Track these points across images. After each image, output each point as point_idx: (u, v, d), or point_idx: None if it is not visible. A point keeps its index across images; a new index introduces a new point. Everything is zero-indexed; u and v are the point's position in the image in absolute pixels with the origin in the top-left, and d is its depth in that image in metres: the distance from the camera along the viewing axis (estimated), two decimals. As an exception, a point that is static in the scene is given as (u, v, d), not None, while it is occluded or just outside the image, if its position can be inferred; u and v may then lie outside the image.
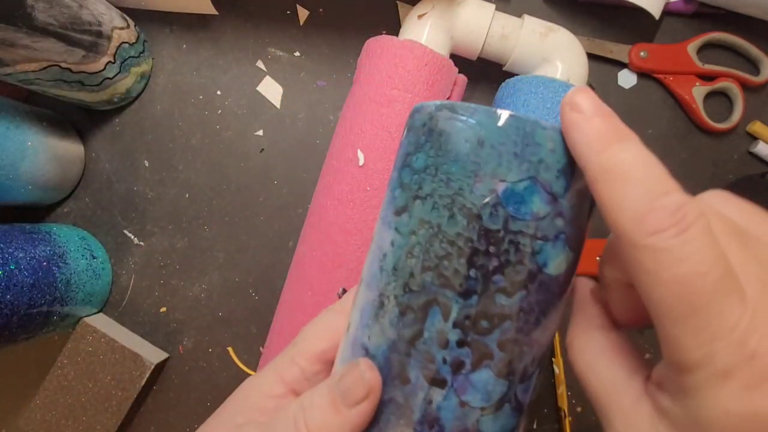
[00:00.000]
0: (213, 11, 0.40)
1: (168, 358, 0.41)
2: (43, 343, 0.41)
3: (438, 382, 0.16)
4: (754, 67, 0.40)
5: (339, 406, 0.16)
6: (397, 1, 0.40)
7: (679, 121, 0.40)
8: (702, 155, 0.40)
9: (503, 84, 0.35)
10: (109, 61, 0.37)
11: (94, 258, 0.40)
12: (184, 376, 0.41)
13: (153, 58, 0.42)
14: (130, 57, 0.38)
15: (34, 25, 0.30)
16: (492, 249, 0.16)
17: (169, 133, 0.42)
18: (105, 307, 0.42)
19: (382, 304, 0.17)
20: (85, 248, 0.39)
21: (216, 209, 0.41)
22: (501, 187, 0.16)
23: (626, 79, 0.40)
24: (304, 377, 0.20)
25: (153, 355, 0.39)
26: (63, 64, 0.33)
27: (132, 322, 0.41)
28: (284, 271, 0.38)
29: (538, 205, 0.16)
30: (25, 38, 0.30)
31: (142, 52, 0.40)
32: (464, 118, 0.16)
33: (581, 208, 0.17)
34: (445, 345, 0.16)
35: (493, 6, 0.34)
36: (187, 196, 0.41)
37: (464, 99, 0.39)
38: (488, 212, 0.16)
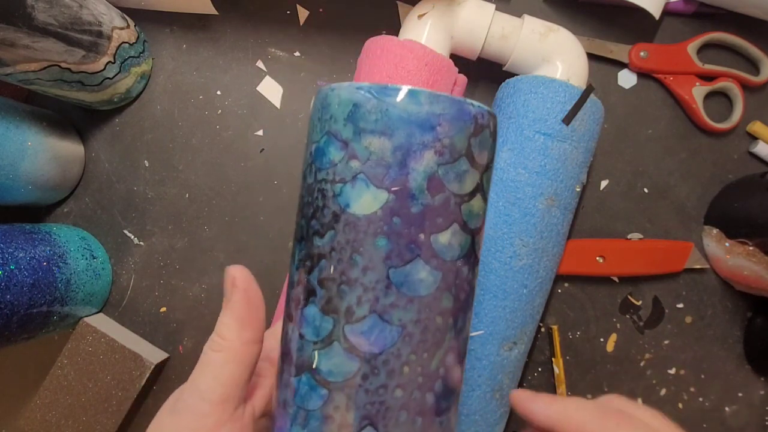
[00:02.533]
0: (213, 11, 0.40)
1: (168, 358, 0.41)
2: (43, 343, 0.41)
3: (289, 317, 0.19)
4: (754, 67, 0.40)
5: (224, 304, 0.21)
6: (397, 1, 0.40)
7: (679, 121, 0.40)
8: (702, 155, 0.40)
9: (503, 84, 0.35)
10: (109, 61, 0.37)
11: (94, 258, 0.40)
12: (184, 376, 0.41)
13: (153, 58, 0.42)
14: (130, 57, 0.38)
15: (34, 25, 0.30)
16: (309, 198, 0.19)
17: (169, 133, 0.42)
18: (105, 307, 0.42)
19: None
20: (85, 248, 0.39)
21: (216, 209, 0.41)
22: (313, 148, 0.19)
23: (626, 79, 0.40)
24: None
25: (153, 355, 0.39)
26: (63, 64, 0.33)
27: (132, 322, 0.41)
28: (284, 271, 0.38)
29: (334, 153, 0.18)
30: (25, 38, 0.30)
31: (142, 52, 0.40)
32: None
33: (384, 149, 0.18)
34: (292, 285, 0.19)
35: (493, 6, 0.34)
36: (187, 196, 0.41)
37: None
38: (307, 171, 0.19)
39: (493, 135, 0.20)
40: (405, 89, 0.18)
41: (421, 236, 0.18)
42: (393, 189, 0.18)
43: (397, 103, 0.18)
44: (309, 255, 0.19)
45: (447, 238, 0.18)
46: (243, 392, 0.20)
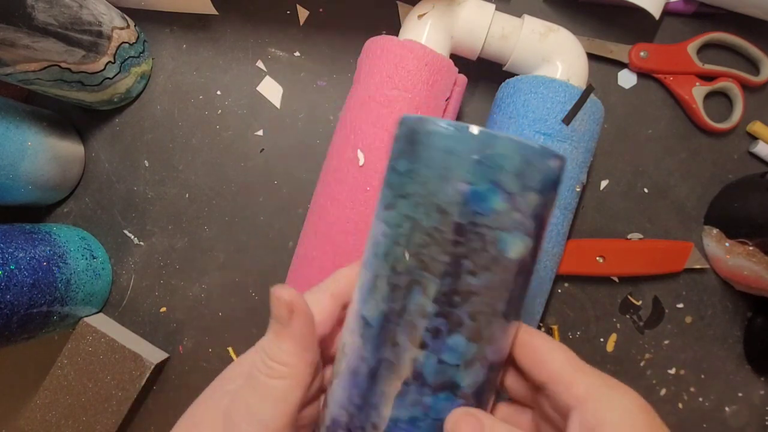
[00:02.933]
0: (213, 11, 0.40)
1: (168, 358, 0.41)
2: (43, 343, 0.41)
3: (421, 344, 0.20)
4: (754, 67, 0.40)
5: (278, 330, 0.20)
6: (397, 1, 0.40)
7: (679, 121, 0.40)
8: (702, 155, 0.40)
9: (503, 84, 0.35)
10: (109, 61, 0.37)
11: (94, 258, 0.40)
12: (184, 376, 0.41)
13: (153, 58, 0.42)
14: (130, 57, 0.38)
15: (34, 25, 0.30)
16: (461, 239, 0.19)
17: (169, 133, 0.42)
18: (105, 307, 0.42)
19: (376, 284, 0.21)
20: (85, 248, 0.39)
21: (216, 209, 0.41)
22: (467, 189, 0.19)
23: (626, 79, 0.40)
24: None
25: (153, 355, 0.39)
26: (63, 64, 0.33)
27: (132, 322, 0.41)
28: (284, 271, 0.38)
29: (497, 202, 0.19)
30: (25, 38, 0.30)
31: (142, 52, 0.40)
32: (438, 130, 0.20)
33: (537, 203, 0.20)
34: (425, 315, 0.20)
35: (493, 6, 0.34)
36: (187, 196, 0.41)
37: (464, 99, 0.39)
38: (457, 210, 0.19)
39: None
40: (559, 155, 0.20)
41: (536, 266, 0.22)
42: (535, 236, 0.20)
43: (552, 166, 0.20)
44: (457, 291, 0.20)
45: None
46: (299, 413, 0.21)
